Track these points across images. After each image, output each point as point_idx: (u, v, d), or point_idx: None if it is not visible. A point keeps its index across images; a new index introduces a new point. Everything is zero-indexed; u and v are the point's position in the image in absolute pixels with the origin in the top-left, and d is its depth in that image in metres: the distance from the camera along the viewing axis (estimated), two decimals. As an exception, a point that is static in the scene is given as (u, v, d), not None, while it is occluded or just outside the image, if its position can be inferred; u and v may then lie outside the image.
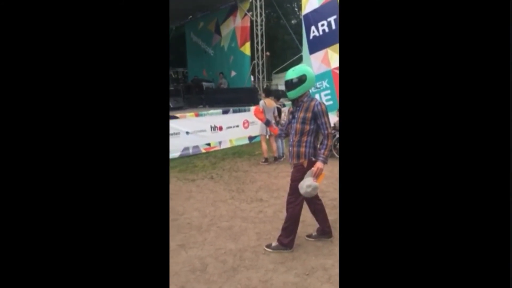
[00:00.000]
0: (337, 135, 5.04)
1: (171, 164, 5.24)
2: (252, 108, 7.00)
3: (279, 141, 5.38)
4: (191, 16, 10.74)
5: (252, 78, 9.21)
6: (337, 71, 5.99)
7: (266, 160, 5.19)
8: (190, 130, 5.99)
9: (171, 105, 7.11)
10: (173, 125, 5.76)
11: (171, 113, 6.04)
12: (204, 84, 8.99)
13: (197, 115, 6.22)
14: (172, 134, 5.73)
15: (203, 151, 6.16)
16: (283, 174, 4.50)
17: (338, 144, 4.98)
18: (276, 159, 5.29)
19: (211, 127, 6.39)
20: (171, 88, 9.66)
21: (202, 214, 3.18)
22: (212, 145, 6.36)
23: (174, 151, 5.73)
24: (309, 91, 2.30)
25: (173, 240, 2.62)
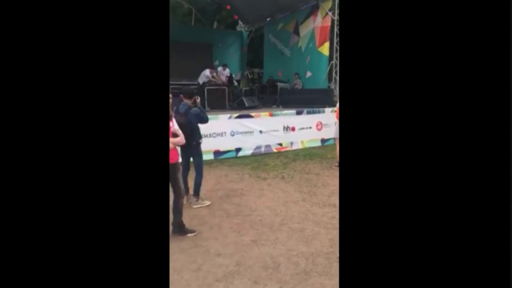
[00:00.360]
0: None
1: (244, 161, 5.43)
2: (327, 110, 6.80)
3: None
4: (270, 18, 10.95)
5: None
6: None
7: (340, 164, 4.98)
8: (264, 129, 6.11)
9: (246, 104, 7.37)
10: (248, 123, 5.95)
11: (246, 112, 6.26)
12: (279, 84, 9.07)
13: (271, 115, 6.31)
14: (246, 132, 5.94)
15: (275, 150, 6.22)
16: (358, 181, 4.27)
17: None
18: (350, 164, 5.03)
19: (284, 127, 6.41)
20: (247, 88, 10.05)
21: (273, 212, 3.21)
22: (283, 145, 6.39)
23: (247, 148, 5.93)
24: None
25: (246, 234, 2.70)
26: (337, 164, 5.00)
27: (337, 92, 7.95)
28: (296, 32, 9.60)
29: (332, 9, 8.27)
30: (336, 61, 8.53)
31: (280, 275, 2.10)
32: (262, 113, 6.29)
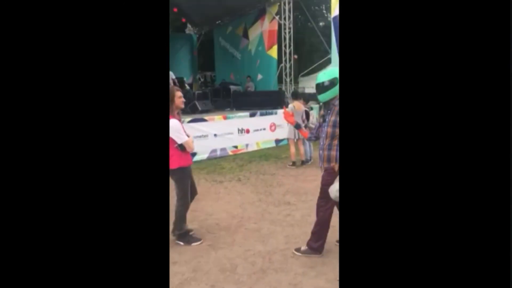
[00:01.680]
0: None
1: (200, 166, 5.36)
2: (279, 111, 6.99)
3: (307, 144, 5.33)
4: (219, 21, 10.97)
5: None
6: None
7: (294, 163, 5.16)
8: (218, 133, 6.09)
9: (199, 107, 7.28)
10: (202, 127, 5.88)
11: (199, 116, 6.18)
12: (232, 87, 9.10)
13: (225, 118, 6.31)
14: (200, 136, 5.86)
15: (230, 153, 6.23)
16: (310, 178, 4.45)
17: None
18: (303, 162, 5.24)
19: (239, 129, 6.45)
20: (200, 91, 9.93)
21: (230, 215, 3.22)
22: (239, 147, 6.43)
23: (202, 152, 5.85)
24: (341, 94, 2.28)
25: (204, 240, 2.67)
26: (291, 164, 5.17)
27: (288, 93, 8.23)
28: (246, 35, 9.75)
29: (278, 13, 8.56)
30: (285, 64, 8.82)
31: (237, 276, 2.12)
32: (216, 117, 6.27)
